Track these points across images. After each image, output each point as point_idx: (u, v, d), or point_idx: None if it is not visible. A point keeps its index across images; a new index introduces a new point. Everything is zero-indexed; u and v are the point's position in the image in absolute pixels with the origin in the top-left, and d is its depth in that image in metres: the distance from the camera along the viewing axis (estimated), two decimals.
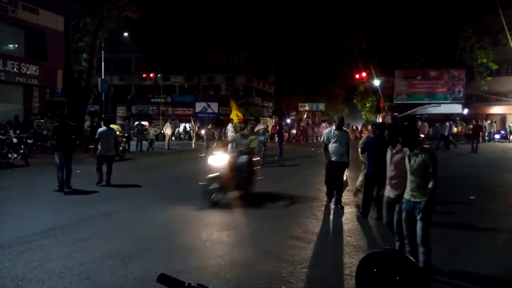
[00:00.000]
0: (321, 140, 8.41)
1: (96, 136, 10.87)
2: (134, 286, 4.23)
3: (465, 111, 31.82)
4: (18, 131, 15.59)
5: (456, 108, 32.00)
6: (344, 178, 8.05)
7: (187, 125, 39.28)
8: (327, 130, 8.17)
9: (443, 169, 10.53)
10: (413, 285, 1.70)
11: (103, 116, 26.06)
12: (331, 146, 7.75)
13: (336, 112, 53.56)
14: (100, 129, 10.94)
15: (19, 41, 19.97)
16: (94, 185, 10.36)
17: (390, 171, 5.22)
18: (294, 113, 48.13)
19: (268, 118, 49.29)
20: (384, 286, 1.74)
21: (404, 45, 31.20)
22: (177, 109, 42.46)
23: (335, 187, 7.83)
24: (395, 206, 4.93)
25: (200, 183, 10.70)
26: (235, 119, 19.91)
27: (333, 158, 7.74)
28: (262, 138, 14.83)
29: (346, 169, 8.05)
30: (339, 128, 7.85)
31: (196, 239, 5.93)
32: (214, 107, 40.21)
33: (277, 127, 19.36)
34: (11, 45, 20.21)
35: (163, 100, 41.17)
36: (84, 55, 24.66)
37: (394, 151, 5.21)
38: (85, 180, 11.31)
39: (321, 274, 4.39)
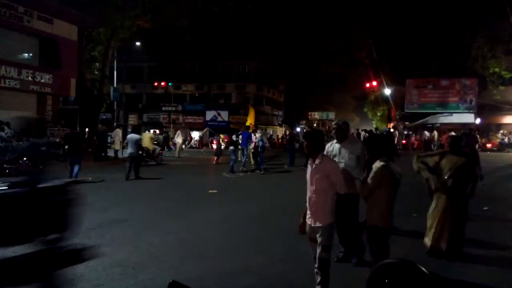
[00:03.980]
0: None
1: (125, 141, 14.08)
2: None
3: (478, 121, 31.46)
4: (31, 139, 15.75)
5: (468, 118, 31.65)
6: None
7: (198, 133, 39.50)
8: (328, 145, 5.51)
9: None
10: None
11: (114, 124, 26.32)
12: None
13: (347, 121, 53.33)
14: (129, 135, 13.74)
15: (33, 50, 20.33)
16: (103, 192, 10.65)
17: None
18: (304, 121, 48.05)
19: (278, 127, 49.31)
20: None
21: (415, 54, 31.09)
22: (188, 117, 42.71)
23: (347, 233, 5.07)
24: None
25: (210, 191, 10.77)
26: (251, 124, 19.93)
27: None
28: (261, 143, 16.03)
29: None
30: (341, 138, 5.28)
31: (207, 247, 5.92)
32: (224, 115, 40.37)
33: (288, 136, 19.41)
34: (26, 54, 20.57)
35: (174, 109, 41.46)
36: (97, 64, 25.01)
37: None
38: (95, 188, 11.44)
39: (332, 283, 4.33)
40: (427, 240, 5.43)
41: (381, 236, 3.91)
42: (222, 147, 21.27)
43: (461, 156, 5.37)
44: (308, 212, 3.87)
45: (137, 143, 13.20)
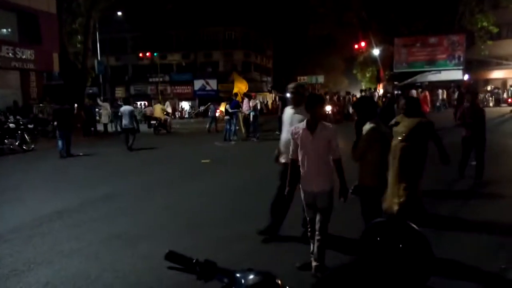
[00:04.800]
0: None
1: (119, 113, 13.96)
2: (143, 264, 4.31)
3: (466, 77, 31.55)
4: (18, 117, 15.61)
5: (457, 74, 31.70)
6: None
7: (187, 104, 39.26)
8: (285, 111, 5.02)
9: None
10: (416, 253, 1.72)
11: (101, 98, 25.92)
12: (282, 138, 4.86)
13: (336, 84, 53.11)
14: (122, 108, 13.83)
15: (12, 26, 19.67)
16: (96, 166, 10.80)
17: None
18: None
19: (267, 93, 49.02)
20: (388, 254, 1.77)
21: (403, 13, 30.71)
22: (176, 87, 42.21)
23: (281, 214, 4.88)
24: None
25: (203, 161, 10.79)
26: (241, 91, 19.36)
27: (283, 159, 4.71)
28: (253, 112, 16.07)
29: None
30: (296, 104, 4.73)
31: (202, 216, 5.99)
32: (213, 84, 39.93)
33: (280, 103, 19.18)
34: (4, 30, 19.92)
35: (161, 79, 40.87)
36: (79, 37, 24.37)
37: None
38: (87, 162, 11.43)
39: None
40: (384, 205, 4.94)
41: (373, 196, 3.99)
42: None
43: (417, 117, 5.01)
44: (307, 179, 3.81)
45: (131, 115, 13.38)
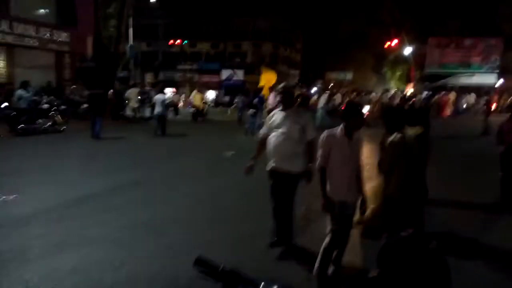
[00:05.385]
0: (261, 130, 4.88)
1: (153, 101, 15.77)
2: (167, 253, 4.46)
3: (500, 82, 30.51)
4: (51, 97, 16.16)
5: (490, 79, 30.71)
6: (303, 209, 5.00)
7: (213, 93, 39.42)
8: (269, 115, 4.72)
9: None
10: (433, 270, 1.77)
11: (133, 83, 26.29)
12: (272, 140, 4.49)
13: (364, 81, 52.25)
14: (156, 96, 15.19)
15: (50, 8, 20.21)
16: (123, 152, 11.11)
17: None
18: (321, 81, 47.29)
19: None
20: (406, 272, 1.82)
21: (438, 12, 29.91)
22: (204, 76, 42.47)
23: (286, 223, 4.58)
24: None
25: (226, 153, 10.89)
26: (269, 84, 19.07)
27: (273, 164, 4.52)
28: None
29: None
30: (287, 105, 4.49)
31: (224, 210, 6.12)
32: (240, 74, 39.99)
33: (300, 99, 18.82)
34: (43, 11, 20.44)
35: (189, 67, 41.19)
36: (113, 21, 24.75)
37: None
38: (116, 147, 11.74)
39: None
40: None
41: (395, 207, 3.98)
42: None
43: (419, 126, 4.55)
44: (341, 188, 3.66)
45: (163, 103, 14.38)
